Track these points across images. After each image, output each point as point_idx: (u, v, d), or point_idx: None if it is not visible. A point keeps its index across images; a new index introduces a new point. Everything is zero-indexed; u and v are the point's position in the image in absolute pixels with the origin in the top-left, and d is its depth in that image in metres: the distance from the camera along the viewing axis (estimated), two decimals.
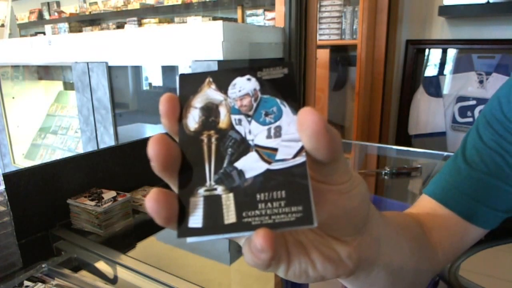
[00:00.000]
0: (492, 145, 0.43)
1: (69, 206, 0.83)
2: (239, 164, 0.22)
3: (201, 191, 0.21)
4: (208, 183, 0.21)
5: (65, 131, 2.32)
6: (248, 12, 2.74)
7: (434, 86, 2.01)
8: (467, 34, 1.92)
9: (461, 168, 0.44)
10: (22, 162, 2.38)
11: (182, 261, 0.73)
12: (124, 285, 0.63)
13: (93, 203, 0.80)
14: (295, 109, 0.22)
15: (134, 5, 3.41)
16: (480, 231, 0.44)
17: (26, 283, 0.60)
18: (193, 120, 0.23)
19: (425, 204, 0.46)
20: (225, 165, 0.22)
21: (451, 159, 0.47)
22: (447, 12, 1.89)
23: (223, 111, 0.23)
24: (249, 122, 0.22)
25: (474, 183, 0.43)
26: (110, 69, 1.62)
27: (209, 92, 0.23)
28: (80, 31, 3.84)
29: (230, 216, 0.20)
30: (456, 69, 1.95)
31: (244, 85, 0.23)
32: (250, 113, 0.23)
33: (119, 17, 3.62)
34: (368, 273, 0.29)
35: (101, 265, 0.69)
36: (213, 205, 0.21)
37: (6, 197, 0.64)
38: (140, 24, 3.30)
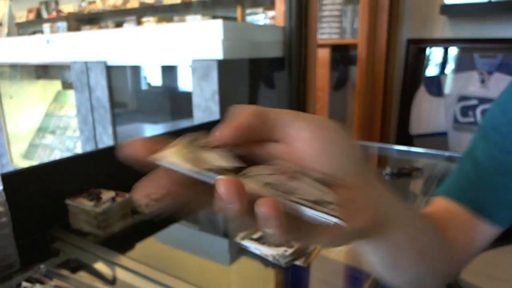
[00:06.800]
0: (498, 145, 0.44)
1: (67, 206, 0.82)
2: None
3: None
4: None
5: (63, 131, 2.32)
6: (248, 11, 2.73)
7: (435, 86, 2.01)
8: (469, 33, 1.91)
9: (469, 169, 0.45)
10: (20, 162, 2.37)
11: (181, 262, 0.73)
12: (123, 286, 0.63)
13: (91, 203, 0.79)
14: None
15: (133, 4, 3.39)
16: (493, 230, 0.44)
17: (24, 284, 0.60)
18: None
19: (438, 204, 0.46)
20: None
21: (458, 165, 0.48)
22: (449, 11, 1.89)
23: None
24: None
25: (483, 181, 0.44)
26: (109, 69, 1.61)
27: None
28: (79, 30, 3.83)
29: None
30: (458, 69, 1.94)
31: None
32: None
33: (118, 16, 3.61)
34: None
35: (99, 266, 0.68)
36: None
37: (4, 198, 0.64)
38: (139, 23, 3.29)
